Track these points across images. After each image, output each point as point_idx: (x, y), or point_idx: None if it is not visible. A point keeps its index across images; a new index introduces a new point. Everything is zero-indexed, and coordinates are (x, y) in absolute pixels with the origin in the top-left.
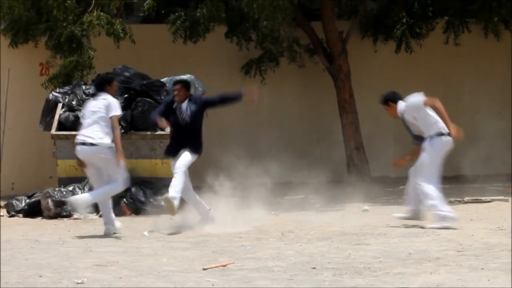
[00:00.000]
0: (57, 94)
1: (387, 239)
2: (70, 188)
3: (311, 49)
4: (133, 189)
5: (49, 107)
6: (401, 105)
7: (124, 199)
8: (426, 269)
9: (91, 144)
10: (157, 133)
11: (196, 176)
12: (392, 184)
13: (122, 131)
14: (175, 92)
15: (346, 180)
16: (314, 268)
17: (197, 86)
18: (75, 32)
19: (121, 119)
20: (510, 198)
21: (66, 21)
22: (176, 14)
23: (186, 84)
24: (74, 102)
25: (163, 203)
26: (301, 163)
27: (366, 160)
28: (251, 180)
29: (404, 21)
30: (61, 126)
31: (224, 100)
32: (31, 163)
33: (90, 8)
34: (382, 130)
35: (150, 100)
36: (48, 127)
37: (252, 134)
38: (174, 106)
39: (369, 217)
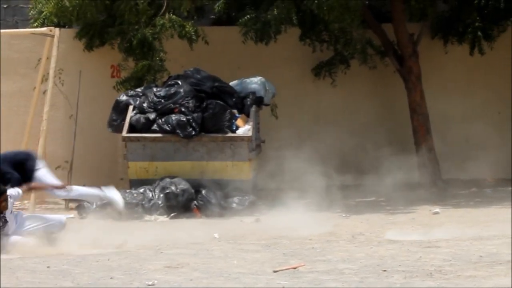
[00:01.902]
0: (128, 97)
1: (457, 242)
2: (141, 190)
3: (382, 51)
4: (203, 191)
5: (119, 109)
6: None
7: (195, 201)
8: (497, 272)
9: None
10: (227, 135)
11: (269, 178)
12: (463, 187)
13: (193, 133)
14: None
15: (417, 183)
16: (384, 270)
17: (267, 88)
18: (147, 35)
19: (192, 121)
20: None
21: (138, 24)
22: (247, 16)
23: None
24: (145, 105)
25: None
26: (372, 165)
27: (437, 162)
28: (321, 182)
29: (476, 24)
30: (132, 128)
31: None
32: (102, 165)
33: (162, 11)
34: (453, 132)
35: (221, 103)
36: (118, 129)
37: (322, 136)
38: None
39: (440, 220)
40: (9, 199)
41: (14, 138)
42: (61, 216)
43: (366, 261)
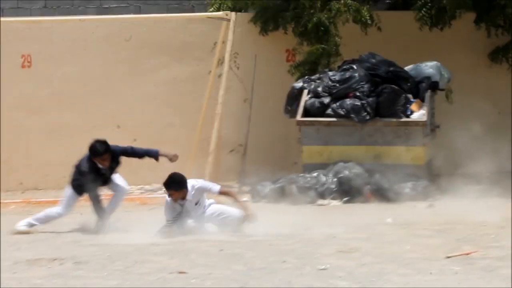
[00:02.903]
0: (302, 83)
1: None
2: (315, 174)
3: None
4: (377, 176)
5: (294, 95)
6: None
7: (368, 186)
8: None
9: None
10: (402, 120)
11: (443, 163)
12: None
13: (368, 117)
14: (103, 161)
15: None
16: None
17: (442, 73)
18: (323, 19)
19: (367, 105)
20: None
21: (314, 8)
22: (423, 1)
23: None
24: (320, 89)
25: None
26: None
27: None
28: (496, 168)
29: None
30: (307, 112)
31: (139, 155)
32: (276, 149)
33: None
34: None
35: (396, 87)
36: (293, 114)
37: (498, 122)
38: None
39: None
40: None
41: (188, 123)
42: (240, 211)
43: None
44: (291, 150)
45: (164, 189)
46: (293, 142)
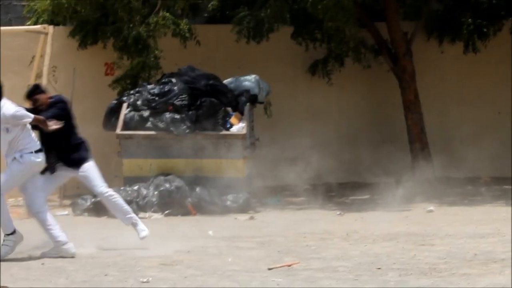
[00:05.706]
0: (123, 98)
1: (452, 240)
2: (135, 188)
3: (376, 49)
4: (198, 189)
5: (113, 111)
6: None
7: (189, 199)
8: (492, 270)
9: None
10: (222, 133)
11: (263, 176)
12: (457, 185)
13: (187, 131)
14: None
15: (411, 181)
16: (379, 268)
17: (261, 87)
18: (142, 33)
19: (186, 119)
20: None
21: (132, 22)
22: (241, 14)
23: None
24: (139, 102)
25: None
26: (366, 163)
27: (431, 161)
28: (315, 180)
29: (470, 21)
30: (126, 126)
31: None
32: (97, 162)
33: (156, 9)
34: (447, 130)
35: (215, 100)
36: (112, 127)
37: (318, 134)
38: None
39: (434, 218)
40: None
41: None
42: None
43: (361, 258)
44: (112, 164)
45: None
46: (114, 155)
